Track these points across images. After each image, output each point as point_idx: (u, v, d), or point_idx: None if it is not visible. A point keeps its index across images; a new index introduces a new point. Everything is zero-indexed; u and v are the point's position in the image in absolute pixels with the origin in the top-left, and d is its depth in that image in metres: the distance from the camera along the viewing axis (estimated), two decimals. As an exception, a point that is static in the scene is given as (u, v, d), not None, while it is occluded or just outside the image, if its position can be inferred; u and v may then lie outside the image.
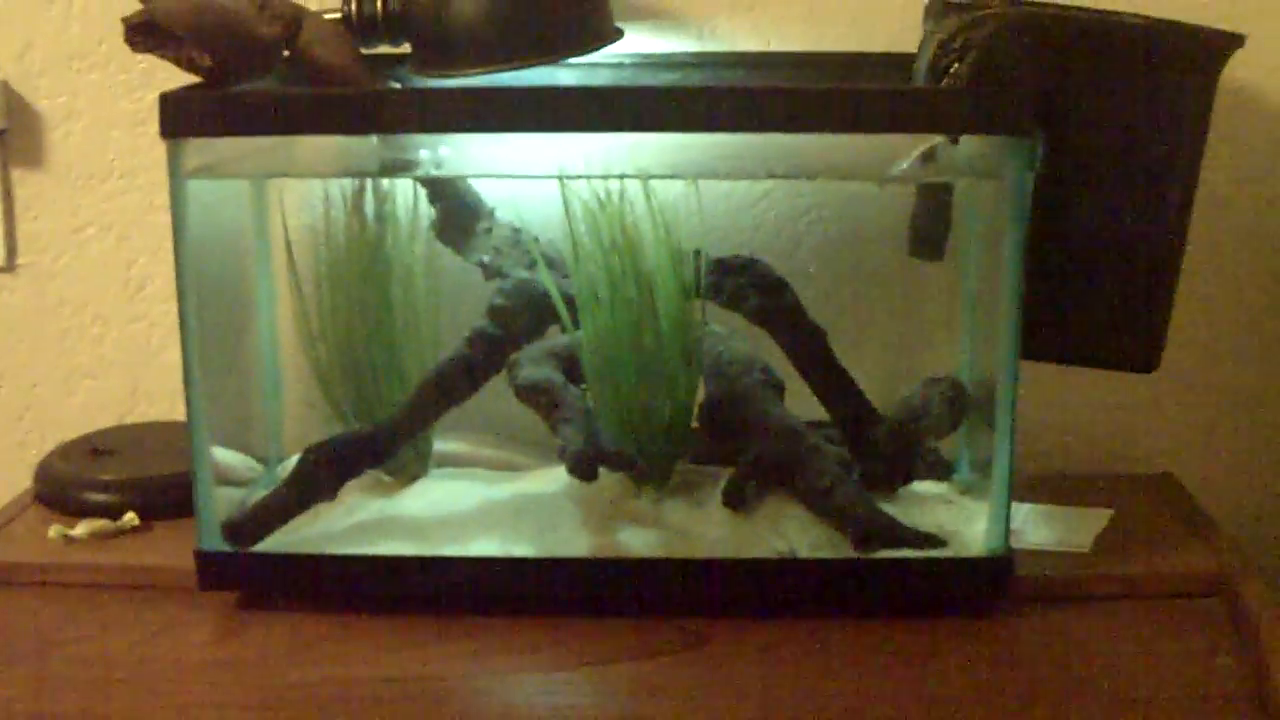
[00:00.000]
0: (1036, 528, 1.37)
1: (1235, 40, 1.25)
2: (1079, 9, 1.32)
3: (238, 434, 1.41)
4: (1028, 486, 1.40)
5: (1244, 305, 1.55)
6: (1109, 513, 1.41)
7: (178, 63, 1.24)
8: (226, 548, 1.28)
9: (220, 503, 1.29)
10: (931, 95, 1.24)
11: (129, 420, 1.59)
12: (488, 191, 1.40)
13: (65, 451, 1.48)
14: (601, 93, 1.31)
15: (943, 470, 1.40)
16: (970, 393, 1.38)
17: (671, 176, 1.28)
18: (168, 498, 1.40)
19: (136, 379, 1.59)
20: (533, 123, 1.21)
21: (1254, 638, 1.20)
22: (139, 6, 1.25)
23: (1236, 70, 1.36)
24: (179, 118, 1.22)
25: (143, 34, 1.23)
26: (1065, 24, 1.24)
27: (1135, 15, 1.31)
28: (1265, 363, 1.56)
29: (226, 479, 1.35)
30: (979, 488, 1.35)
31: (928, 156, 1.26)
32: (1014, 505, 1.27)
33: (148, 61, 1.28)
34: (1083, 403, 1.55)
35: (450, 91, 1.30)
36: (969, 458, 1.42)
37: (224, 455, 1.36)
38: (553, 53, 1.35)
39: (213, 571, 1.28)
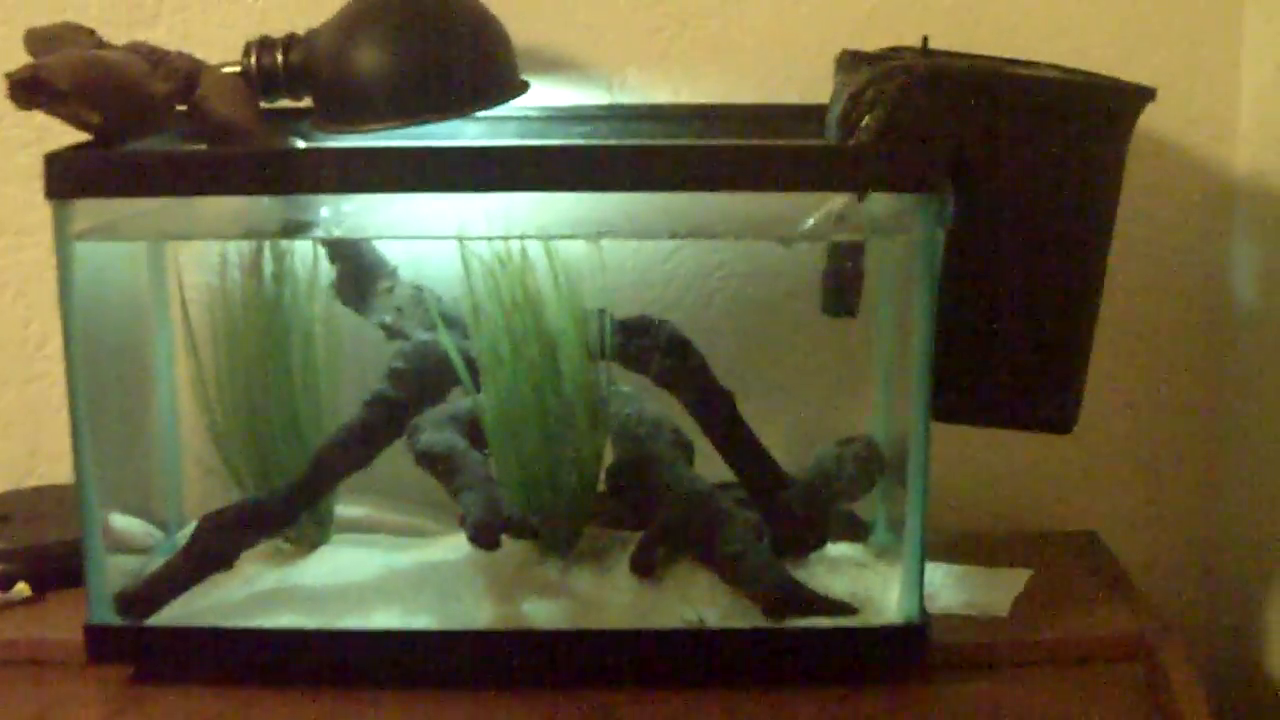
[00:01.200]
0: (953, 590, 1.34)
1: (1146, 94, 1.23)
2: (990, 61, 1.30)
3: (138, 499, 1.36)
4: (947, 545, 1.38)
5: (1163, 361, 1.53)
6: (1028, 573, 1.38)
7: (66, 120, 1.20)
8: (119, 621, 1.24)
9: (117, 572, 1.26)
10: (837, 153, 1.21)
11: (29, 483, 1.55)
12: (391, 250, 1.36)
13: (-42, 518, 1.44)
14: (503, 153, 1.24)
15: (858, 532, 1.37)
16: (884, 453, 1.35)
17: (571, 236, 1.25)
18: (63, 566, 1.35)
19: (36, 440, 1.55)
20: (433, 184, 1.18)
21: (1171, 704, 1.18)
22: (29, 60, 1.22)
23: (1153, 122, 1.34)
24: (65, 178, 1.18)
25: (27, 90, 1.19)
26: (976, 77, 1.21)
27: (1048, 67, 1.30)
28: (1186, 418, 1.54)
29: (125, 546, 1.31)
30: (895, 549, 1.32)
31: (839, 215, 1.24)
32: (931, 566, 1.24)
33: (42, 116, 1.25)
34: (1003, 459, 1.53)
35: (347, 152, 1.25)
36: (885, 517, 1.39)
37: (122, 521, 1.32)
38: (457, 107, 1.32)
39: (104, 646, 1.24)
